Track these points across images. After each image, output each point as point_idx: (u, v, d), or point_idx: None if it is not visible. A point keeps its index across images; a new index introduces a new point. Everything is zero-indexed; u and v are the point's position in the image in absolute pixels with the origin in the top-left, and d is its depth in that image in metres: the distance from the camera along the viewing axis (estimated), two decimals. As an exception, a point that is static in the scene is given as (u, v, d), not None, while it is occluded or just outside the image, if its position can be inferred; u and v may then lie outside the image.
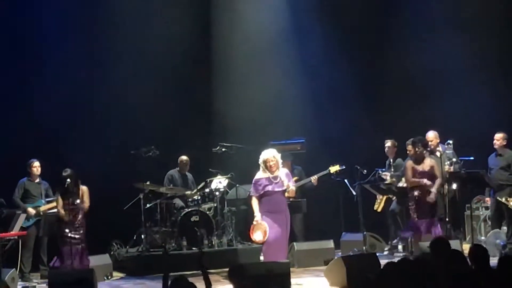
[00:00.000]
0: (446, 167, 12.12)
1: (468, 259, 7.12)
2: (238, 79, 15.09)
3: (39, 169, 12.54)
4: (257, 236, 10.76)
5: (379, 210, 13.47)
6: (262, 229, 10.67)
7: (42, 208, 12.36)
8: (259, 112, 14.77)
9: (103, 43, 14.35)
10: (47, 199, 12.45)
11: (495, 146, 12.77)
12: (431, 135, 12.60)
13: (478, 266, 6.98)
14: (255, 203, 10.82)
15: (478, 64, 14.55)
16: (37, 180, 12.60)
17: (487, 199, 13.03)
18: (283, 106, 15.06)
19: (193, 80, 15.10)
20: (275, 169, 10.76)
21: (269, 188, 10.73)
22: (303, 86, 15.27)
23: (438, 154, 12.15)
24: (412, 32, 15.01)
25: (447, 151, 12.30)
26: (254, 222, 10.77)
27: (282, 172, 10.86)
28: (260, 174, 10.84)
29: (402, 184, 12.66)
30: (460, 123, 13.75)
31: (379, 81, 15.34)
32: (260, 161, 10.83)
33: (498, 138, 12.74)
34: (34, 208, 12.37)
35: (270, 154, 10.80)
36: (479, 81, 14.37)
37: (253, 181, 10.90)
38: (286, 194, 10.94)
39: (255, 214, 10.80)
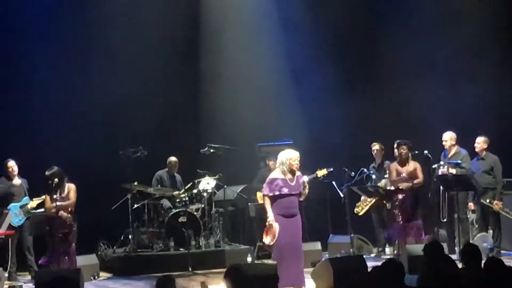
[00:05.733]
0: (454, 171, 12.41)
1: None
2: (226, 80, 15.08)
3: (15, 168, 12.49)
4: (267, 239, 10.22)
5: (360, 213, 13.41)
6: (272, 232, 10.13)
7: (31, 205, 12.33)
8: (247, 113, 14.76)
9: (89, 41, 14.33)
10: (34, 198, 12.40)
11: (476, 150, 12.87)
12: (445, 136, 12.90)
13: (469, 264, 7.01)
14: (267, 202, 10.25)
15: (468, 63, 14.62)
16: (15, 180, 12.54)
17: (470, 204, 13.07)
18: (271, 108, 15.06)
19: (181, 81, 15.09)
20: (295, 171, 10.28)
21: (285, 190, 10.19)
22: (291, 87, 15.29)
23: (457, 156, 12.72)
24: (402, 30, 15.01)
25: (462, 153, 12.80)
26: (267, 224, 10.25)
27: (300, 175, 10.35)
28: (277, 174, 10.29)
29: (390, 187, 12.69)
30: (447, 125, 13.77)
31: (367, 82, 15.36)
32: (283, 160, 10.24)
33: (479, 142, 12.84)
34: (22, 206, 12.33)
35: (296, 154, 10.28)
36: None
37: (267, 180, 10.35)
38: (302, 198, 10.46)
39: (268, 215, 10.24)
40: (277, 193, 10.19)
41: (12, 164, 12.49)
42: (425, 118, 14.44)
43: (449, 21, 14.86)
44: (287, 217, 10.22)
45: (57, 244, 11.07)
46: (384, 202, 12.76)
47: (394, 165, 12.07)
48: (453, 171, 12.44)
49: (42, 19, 13.87)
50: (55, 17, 14.05)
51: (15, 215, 12.23)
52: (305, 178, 10.46)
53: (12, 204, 12.32)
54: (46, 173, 11.18)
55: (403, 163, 11.92)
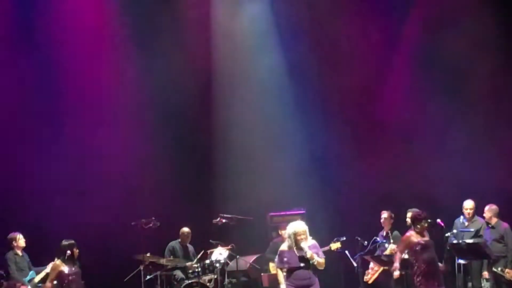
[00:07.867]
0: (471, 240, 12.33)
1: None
2: (238, 150, 15.17)
3: (23, 242, 12.55)
4: None
5: (369, 282, 13.31)
6: None
7: (37, 279, 12.32)
8: (259, 183, 14.80)
9: (105, 108, 14.52)
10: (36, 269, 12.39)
11: (485, 219, 12.83)
12: (468, 205, 12.86)
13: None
14: (280, 274, 10.57)
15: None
16: (21, 253, 12.59)
17: (485, 272, 12.96)
18: (283, 177, 15.08)
19: (193, 151, 15.20)
20: (303, 242, 10.43)
21: (292, 263, 10.40)
22: (303, 154, 15.34)
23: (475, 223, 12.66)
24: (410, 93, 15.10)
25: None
26: None
27: (308, 244, 10.46)
28: (285, 246, 10.57)
29: (404, 255, 12.59)
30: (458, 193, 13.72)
31: (377, 147, 15.37)
32: (289, 233, 10.52)
33: (486, 211, 12.82)
34: (29, 281, 12.30)
35: (300, 228, 10.49)
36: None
37: (278, 252, 10.66)
38: (316, 264, 10.45)
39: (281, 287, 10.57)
40: (286, 266, 10.44)
41: (21, 237, 12.57)
42: (435, 186, 14.42)
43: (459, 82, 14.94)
44: None
45: None
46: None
47: (410, 235, 11.97)
48: (469, 240, 12.37)
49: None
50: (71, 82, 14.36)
51: None
52: (307, 253, 10.35)
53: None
54: (70, 242, 11.20)
55: (422, 235, 11.89)
